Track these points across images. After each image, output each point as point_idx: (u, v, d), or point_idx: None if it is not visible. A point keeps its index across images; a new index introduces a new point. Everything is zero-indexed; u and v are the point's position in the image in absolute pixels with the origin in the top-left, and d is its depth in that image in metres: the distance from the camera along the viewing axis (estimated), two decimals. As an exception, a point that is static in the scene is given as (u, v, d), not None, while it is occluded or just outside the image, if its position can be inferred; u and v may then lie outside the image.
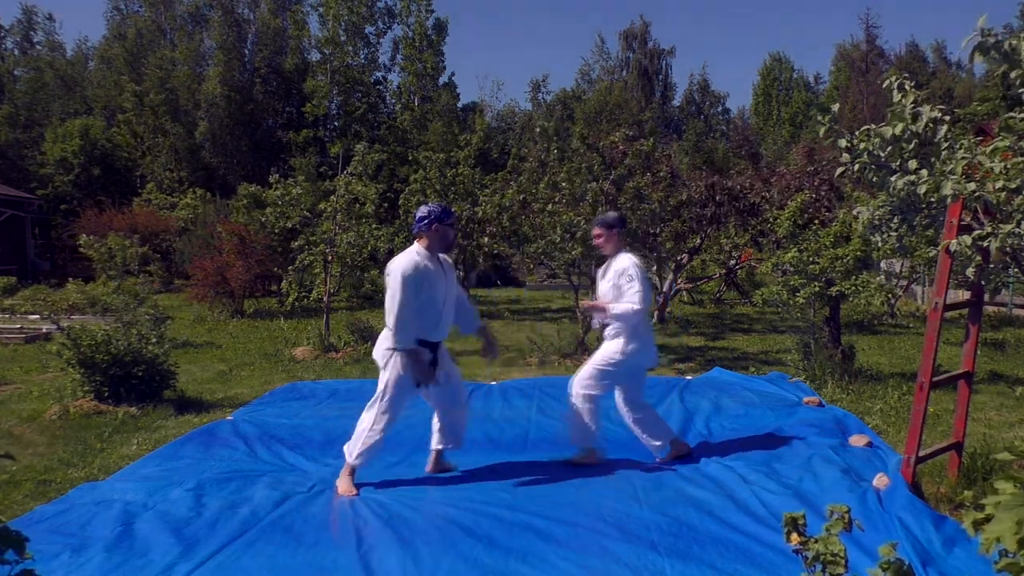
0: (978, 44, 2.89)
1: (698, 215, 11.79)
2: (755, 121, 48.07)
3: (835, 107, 3.61)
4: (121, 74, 35.39)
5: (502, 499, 4.24)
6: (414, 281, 4.27)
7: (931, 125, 3.31)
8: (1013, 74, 2.84)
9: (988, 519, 1.85)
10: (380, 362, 4.46)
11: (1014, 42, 2.81)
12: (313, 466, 4.92)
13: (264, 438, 5.47)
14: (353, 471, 4.42)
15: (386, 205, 14.11)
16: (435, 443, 4.70)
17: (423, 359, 4.36)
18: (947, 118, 3.36)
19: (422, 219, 4.44)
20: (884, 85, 3.54)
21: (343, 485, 4.36)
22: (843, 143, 3.60)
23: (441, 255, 4.54)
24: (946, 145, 3.32)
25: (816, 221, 8.53)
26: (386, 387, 4.39)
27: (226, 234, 15.14)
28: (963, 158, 3.17)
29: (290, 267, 11.28)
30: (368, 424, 4.40)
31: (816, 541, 2.09)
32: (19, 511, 4.11)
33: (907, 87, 3.44)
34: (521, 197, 10.85)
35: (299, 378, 8.04)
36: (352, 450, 4.41)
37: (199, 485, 4.38)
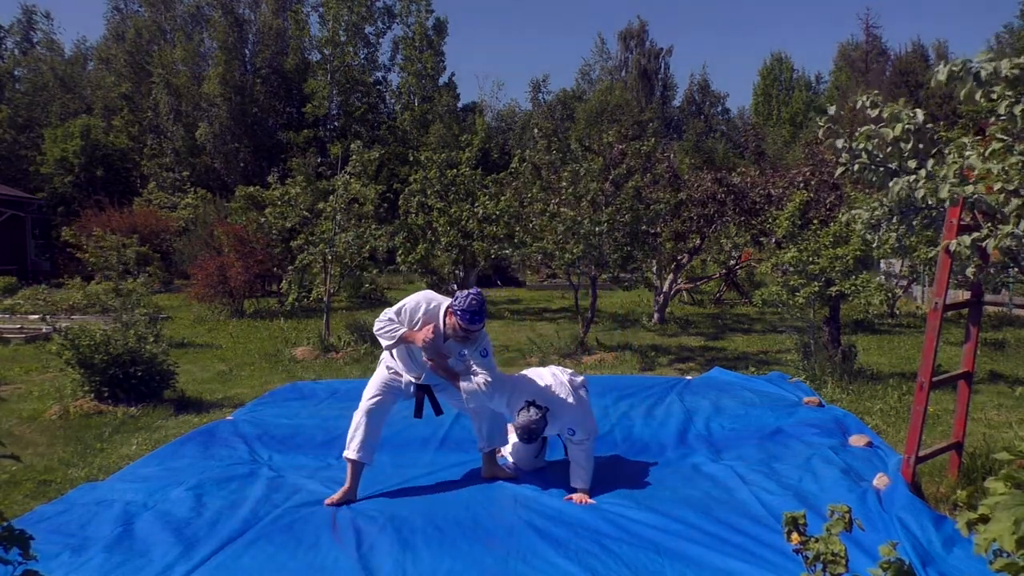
0: (950, 75, 2.91)
1: (699, 214, 11.78)
2: (755, 121, 48.06)
3: (831, 108, 3.62)
4: (120, 74, 35.40)
5: (502, 499, 4.24)
6: None
7: (921, 131, 3.32)
8: (996, 91, 2.86)
9: (983, 519, 1.85)
10: None
11: (988, 67, 2.82)
12: (314, 466, 4.92)
13: (264, 438, 5.46)
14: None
15: (385, 205, 14.09)
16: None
17: None
18: (930, 125, 3.36)
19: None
20: (858, 105, 3.54)
21: None
22: (840, 143, 3.61)
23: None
24: (934, 150, 3.33)
25: (815, 221, 8.52)
26: None
27: (224, 236, 15.16)
28: (955, 162, 3.18)
29: (290, 267, 11.28)
30: None
31: (817, 541, 2.09)
32: (19, 511, 4.11)
33: (878, 103, 3.45)
34: (519, 200, 10.85)
35: (299, 378, 8.04)
36: None
37: (199, 485, 4.39)
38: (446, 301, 4.33)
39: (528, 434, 4.29)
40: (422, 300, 4.34)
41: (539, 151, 10.39)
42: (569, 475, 4.36)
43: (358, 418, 4.39)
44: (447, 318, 4.25)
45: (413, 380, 4.45)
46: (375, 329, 4.36)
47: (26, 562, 1.91)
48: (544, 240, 9.38)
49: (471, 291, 4.23)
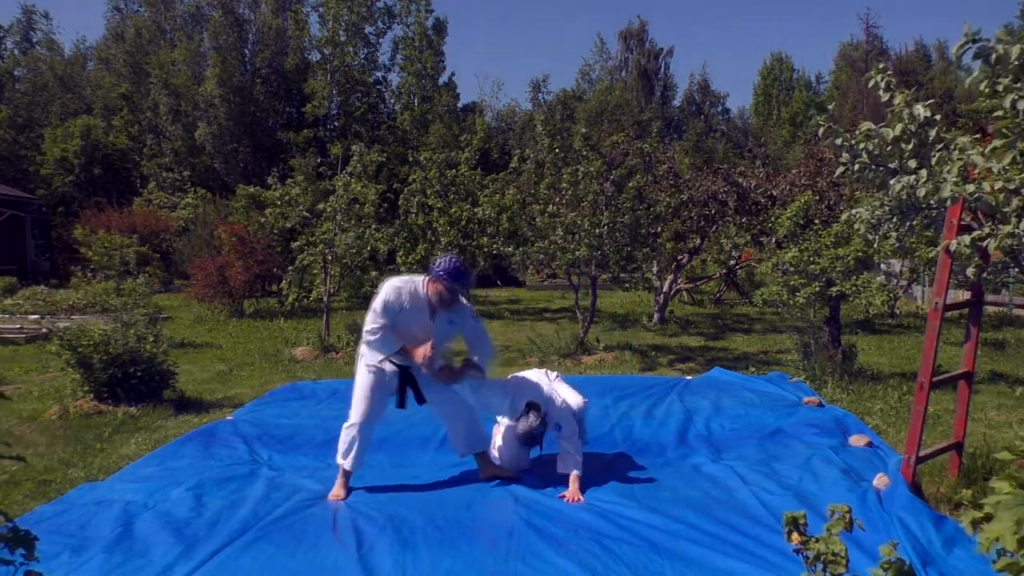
0: (964, 52, 2.91)
1: (699, 214, 11.78)
2: (755, 121, 48.06)
3: (831, 106, 3.61)
4: (120, 74, 35.40)
5: (502, 499, 4.24)
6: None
7: (923, 128, 3.32)
8: (1001, 83, 2.85)
9: (987, 518, 1.85)
10: None
11: (1001, 49, 2.81)
12: (313, 466, 4.92)
13: (264, 438, 5.46)
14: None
15: (386, 205, 14.07)
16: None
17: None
18: (937, 118, 3.35)
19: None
20: (870, 84, 3.54)
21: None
22: (839, 142, 3.60)
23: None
24: (940, 147, 3.32)
25: (817, 221, 8.52)
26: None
27: (225, 236, 15.16)
28: (959, 159, 3.17)
29: (290, 267, 11.27)
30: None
31: (817, 541, 2.09)
32: (19, 511, 4.11)
33: (892, 85, 3.44)
34: (521, 198, 10.85)
35: (299, 378, 8.04)
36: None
37: (199, 485, 4.39)
38: (419, 277, 4.40)
39: (531, 439, 4.46)
40: (398, 286, 4.32)
41: (542, 149, 10.37)
42: (557, 465, 4.45)
43: (353, 432, 4.40)
44: (430, 287, 4.29)
45: (396, 364, 4.38)
46: (368, 340, 4.28)
47: (28, 563, 1.91)
48: (547, 240, 9.37)
49: (448, 256, 4.34)
